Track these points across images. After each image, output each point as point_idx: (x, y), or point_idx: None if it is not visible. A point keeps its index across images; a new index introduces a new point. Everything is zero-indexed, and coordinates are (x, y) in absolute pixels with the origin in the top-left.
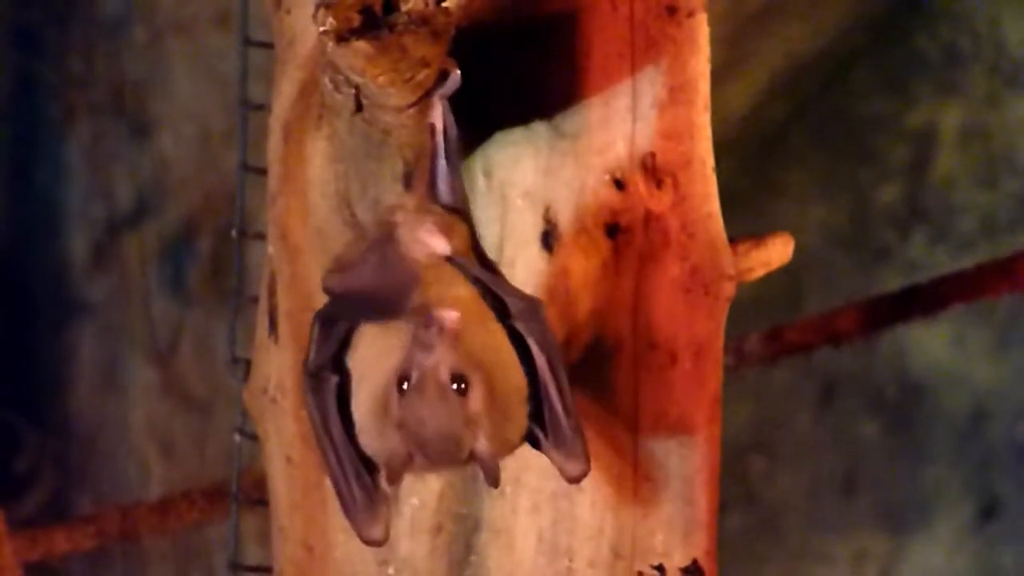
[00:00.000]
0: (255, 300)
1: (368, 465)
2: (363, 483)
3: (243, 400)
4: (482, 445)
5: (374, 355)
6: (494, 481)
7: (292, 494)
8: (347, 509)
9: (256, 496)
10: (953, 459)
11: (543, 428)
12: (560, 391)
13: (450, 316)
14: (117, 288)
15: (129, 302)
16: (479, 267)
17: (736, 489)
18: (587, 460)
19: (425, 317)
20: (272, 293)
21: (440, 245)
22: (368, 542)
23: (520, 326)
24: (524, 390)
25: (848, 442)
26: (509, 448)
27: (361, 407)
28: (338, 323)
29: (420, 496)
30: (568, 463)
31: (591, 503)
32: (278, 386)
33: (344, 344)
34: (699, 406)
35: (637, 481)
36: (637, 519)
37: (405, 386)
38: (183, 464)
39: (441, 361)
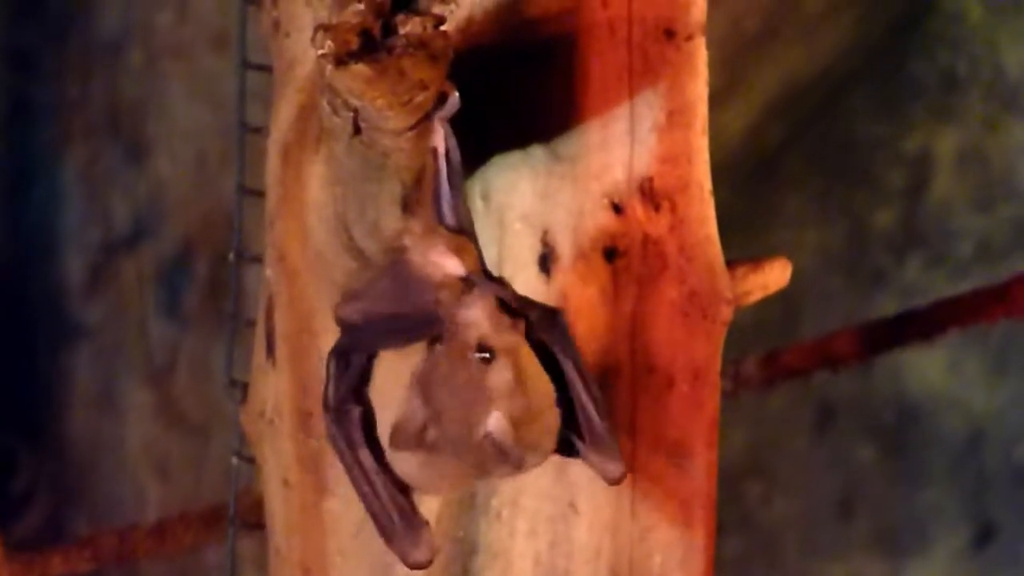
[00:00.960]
0: (252, 323)
1: (403, 490)
2: (400, 508)
3: (240, 423)
4: (499, 424)
5: (396, 380)
6: (517, 463)
7: (289, 516)
8: (388, 536)
9: (253, 519)
10: (949, 483)
11: (578, 433)
12: (591, 395)
13: (490, 290)
14: (114, 310)
15: (126, 324)
16: (495, 283)
17: (733, 513)
18: (624, 462)
19: (464, 291)
20: (270, 316)
21: (454, 266)
22: (414, 566)
23: (543, 336)
24: (553, 395)
25: (845, 466)
26: (544, 454)
27: (390, 421)
28: (354, 355)
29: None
30: (608, 465)
31: (588, 526)
32: (275, 409)
33: (363, 376)
34: (697, 429)
35: (635, 505)
36: (634, 542)
37: (487, 356)
38: (180, 487)
39: (473, 326)
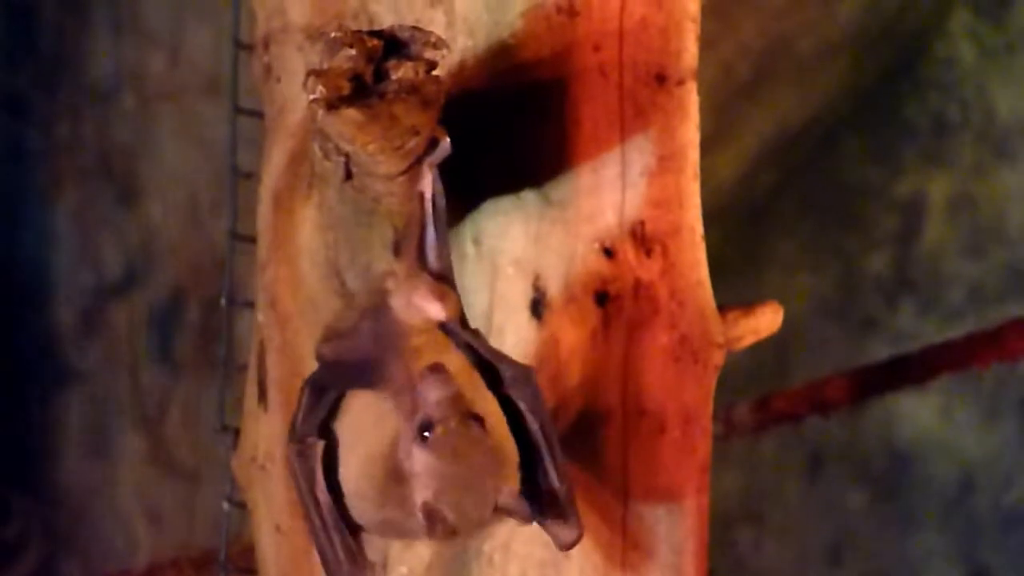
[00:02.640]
0: (244, 368)
1: (353, 531)
2: (348, 548)
3: (232, 468)
4: (431, 499)
5: (368, 422)
6: (449, 533)
7: (281, 563)
8: (332, 574)
9: (244, 565)
10: (941, 529)
11: (536, 495)
12: (553, 457)
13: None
14: (105, 356)
15: (117, 370)
16: (470, 334)
17: (724, 558)
18: (580, 527)
19: (428, 368)
20: (261, 361)
21: (435, 311)
22: None
23: (513, 392)
24: (515, 457)
25: (836, 512)
26: (479, 524)
27: (355, 474)
28: (328, 390)
29: (409, 565)
30: (562, 530)
31: (579, 570)
32: (267, 454)
33: (332, 411)
34: (688, 474)
35: (626, 549)
36: None
37: (427, 435)
38: (171, 533)
39: (457, 402)
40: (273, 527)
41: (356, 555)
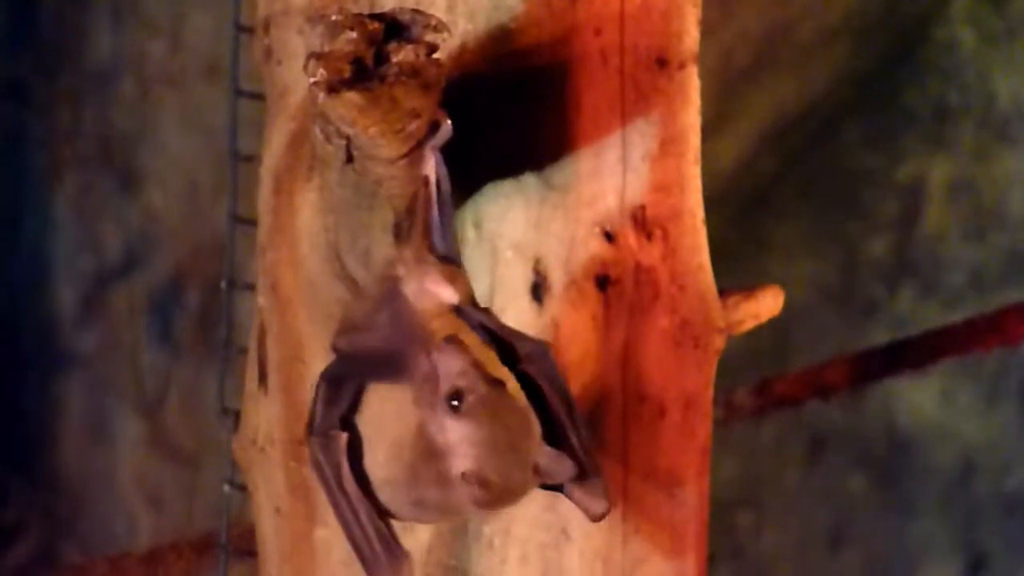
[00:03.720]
0: (244, 351)
1: (385, 519)
2: (382, 537)
3: (232, 451)
4: (471, 470)
5: (390, 414)
6: (492, 503)
7: (281, 545)
8: (368, 566)
9: (245, 548)
10: (941, 514)
11: None
12: (577, 429)
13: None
14: (105, 341)
15: (117, 354)
16: (483, 314)
17: (724, 543)
18: (609, 497)
19: (443, 340)
20: (262, 344)
21: (448, 294)
22: None
23: (530, 368)
24: (534, 432)
25: (836, 497)
26: (520, 493)
27: (383, 463)
28: (346, 383)
29: (408, 548)
30: (592, 502)
31: (580, 554)
32: (267, 437)
33: (352, 404)
34: (688, 459)
35: (626, 532)
36: (626, 571)
37: (457, 404)
38: (171, 517)
39: (479, 368)
40: (273, 509)
41: (392, 543)
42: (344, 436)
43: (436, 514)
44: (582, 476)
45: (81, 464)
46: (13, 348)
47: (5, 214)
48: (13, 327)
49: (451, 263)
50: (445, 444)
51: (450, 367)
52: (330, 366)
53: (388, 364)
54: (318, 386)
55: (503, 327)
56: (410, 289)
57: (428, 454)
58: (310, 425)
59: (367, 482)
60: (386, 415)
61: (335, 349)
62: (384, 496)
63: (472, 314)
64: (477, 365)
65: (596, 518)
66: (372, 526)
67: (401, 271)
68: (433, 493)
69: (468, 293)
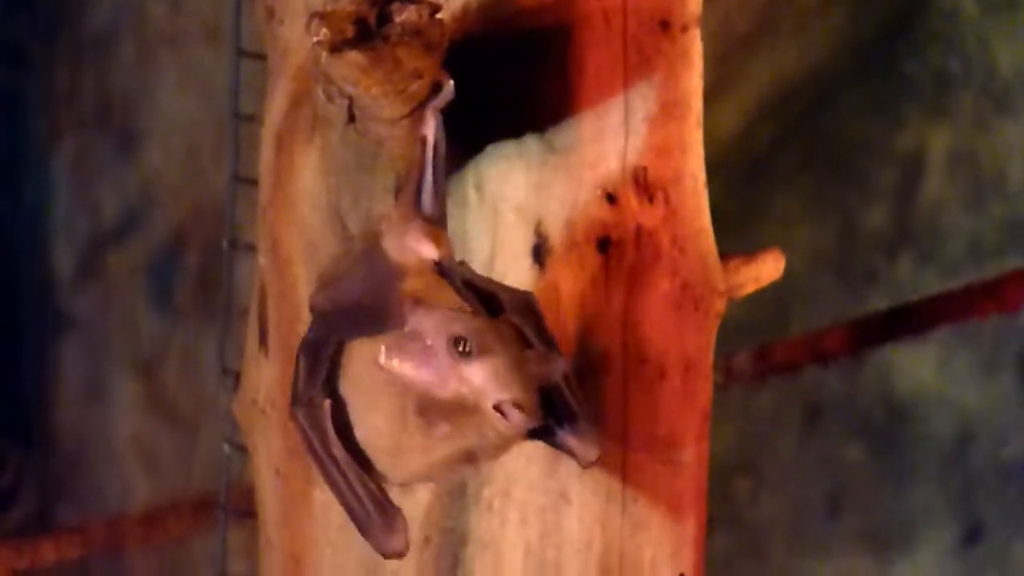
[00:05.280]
0: (244, 312)
1: (376, 480)
2: (374, 499)
3: (232, 412)
4: (501, 401)
5: (379, 376)
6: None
7: (280, 506)
8: (363, 528)
9: (243, 508)
10: (938, 482)
11: (554, 417)
12: (566, 378)
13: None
14: (103, 302)
15: (115, 316)
16: (465, 269)
17: (721, 510)
18: (599, 445)
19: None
20: (263, 305)
21: (428, 250)
22: (391, 556)
23: (515, 319)
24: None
25: (833, 464)
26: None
27: (388, 430)
28: (324, 347)
29: (407, 509)
30: (583, 448)
31: (579, 517)
32: (267, 398)
33: (332, 367)
34: (688, 422)
35: (626, 496)
36: (625, 534)
37: (464, 349)
38: (168, 479)
39: (463, 312)
40: (272, 471)
41: (385, 504)
42: (327, 403)
43: (462, 462)
44: (573, 421)
45: (78, 426)
46: (11, 310)
47: (4, 176)
48: (11, 289)
49: (436, 224)
50: (471, 389)
51: (431, 323)
52: (307, 334)
53: (365, 317)
54: (297, 357)
55: (485, 279)
56: (390, 245)
57: (444, 410)
58: (293, 396)
59: (355, 445)
60: (374, 380)
61: (312, 307)
62: (386, 463)
63: (453, 271)
64: (453, 310)
65: (587, 464)
66: (363, 488)
67: (384, 227)
68: (453, 445)
69: (449, 252)
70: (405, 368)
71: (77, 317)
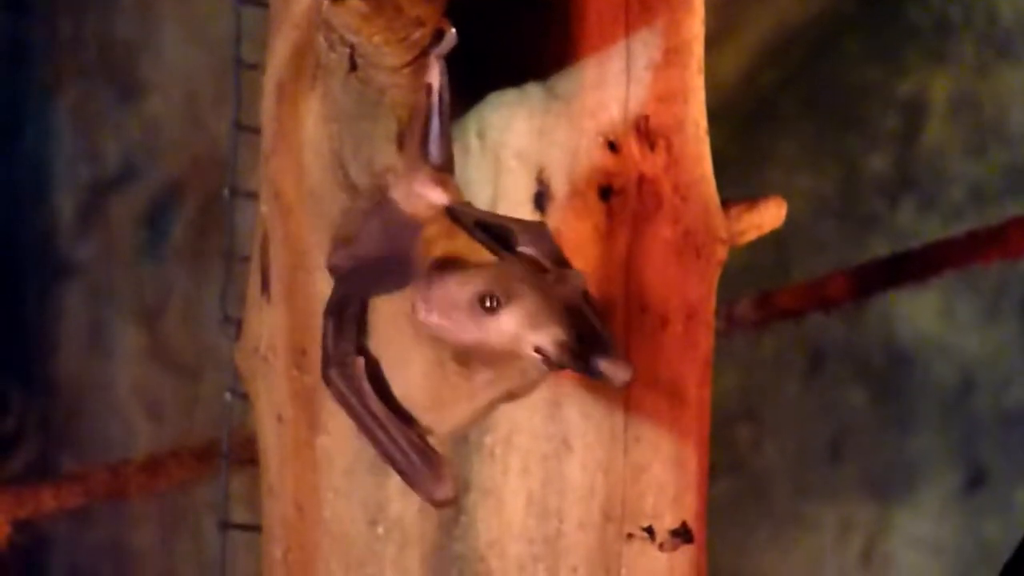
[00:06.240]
0: (245, 260)
1: (418, 431)
2: (420, 449)
3: (234, 359)
4: (546, 343)
5: (407, 332)
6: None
7: (282, 453)
8: (411, 480)
9: (246, 456)
10: (940, 428)
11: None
12: (585, 297)
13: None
14: (104, 250)
15: (116, 264)
16: (473, 209)
17: (724, 456)
18: (630, 364)
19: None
20: (265, 252)
21: (437, 195)
22: (440, 504)
23: (529, 250)
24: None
25: (835, 411)
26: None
27: (426, 384)
28: (348, 307)
29: None
30: (615, 369)
31: (581, 465)
32: (269, 345)
33: (359, 327)
34: (690, 369)
35: (628, 443)
36: (627, 481)
37: (492, 303)
38: (170, 427)
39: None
40: (275, 417)
41: (429, 454)
42: (360, 360)
43: (492, 410)
44: (599, 342)
45: (80, 373)
46: (12, 257)
47: (5, 124)
48: (12, 236)
49: (443, 171)
50: (508, 339)
51: (453, 288)
52: (330, 298)
53: (387, 271)
54: (324, 323)
55: (496, 215)
56: (399, 194)
57: (484, 358)
58: (324, 359)
59: (394, 401)
60: (404, 336)
61: (331, 268)
62: (430, 417)
63: (464, 212)
64: (476, 268)
65: (623, 383)
66: (406, 441)
67: (391, 179)
68: (493, 392)
69: (458, 196)
70: (441, 327)
71: (78, 264)
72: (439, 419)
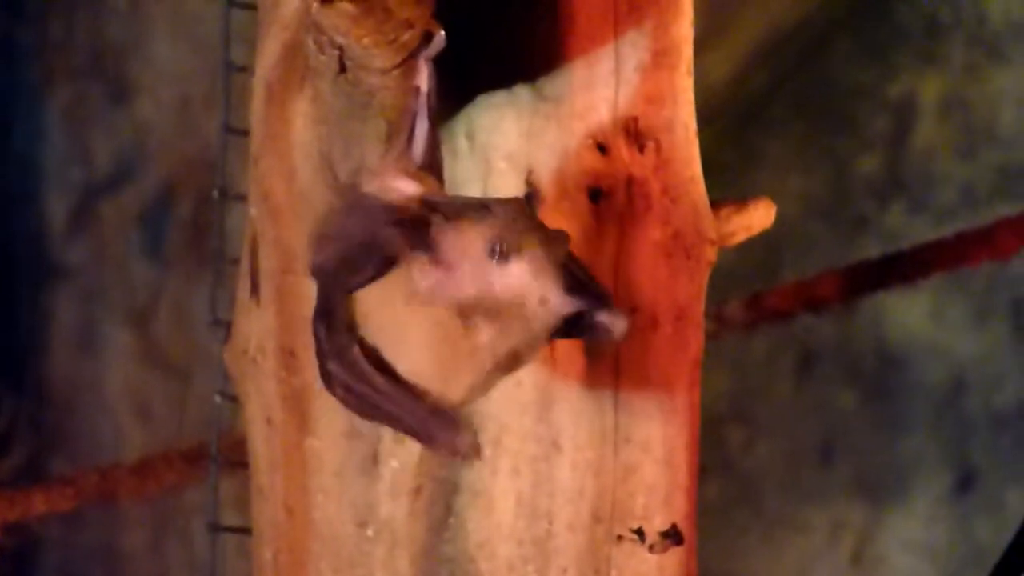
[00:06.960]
0: (236, 262)
1: (427, 398)
2: (432, 410)
3: (223, 362)
4: (553, 294)
5: (400, 311)
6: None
7: (272, 455)
8: (431, 440)
9: (235, 458)
10: (930, 430)
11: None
12: (570, 254)
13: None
14: (95, 252)
15: (107, 266)
16: (450, 196)
17: (714, 457)
18: (625, 315)
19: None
20: (254, 254)
21: (410, 187)
22: (466, 454)
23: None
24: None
25: (826, 412)
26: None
27: (420, 354)
28: (336, 307)
29: (400, 458)
30: (612, 319)
31: (571, 466)
32: (259, 348)
33: (350, 325)
34: (680, 370)
35: (618, 444)
36: (617, 482)
37: (499, 250)
38: (160, 429)
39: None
40: (264, 420)
41: (443, 414)
42: (354, 346)
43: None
44: (592, 295)
45: (70, 375)
46: (3, 259)
47: None
48: (3, 238)
49: (431, 174)
50: (515, 290)
51: (464, 236)
52: (317, 303)
53: (368, 259)
54: (315, 327)
55: (476, 200)
56: (372, 188)
57: (486, 314)
58: (322, 361)
59: (397, 376)
60: (399, 319)
61: (314, 270)
62: (440, 392)
63: (442, 201)
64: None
65: (622, 333)
66: (418, 406)
67: (364, 177)
68: (497, 353)
69: (433, 188)
70: (445, 283)
71: (69, 266)
72: (446, 388)
